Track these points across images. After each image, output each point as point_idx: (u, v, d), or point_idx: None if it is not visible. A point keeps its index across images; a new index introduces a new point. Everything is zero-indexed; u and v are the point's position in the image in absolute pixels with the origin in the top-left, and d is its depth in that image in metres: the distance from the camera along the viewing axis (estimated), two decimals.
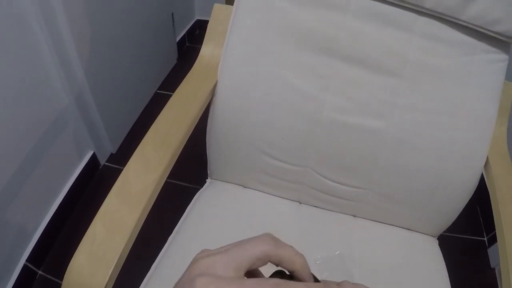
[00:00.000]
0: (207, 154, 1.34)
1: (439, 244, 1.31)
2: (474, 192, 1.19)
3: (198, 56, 1.23)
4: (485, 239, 2.20)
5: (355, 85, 1.13)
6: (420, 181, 1.18)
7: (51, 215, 1.94)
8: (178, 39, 3.26)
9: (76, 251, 0.77)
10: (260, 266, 0.45)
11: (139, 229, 0.84)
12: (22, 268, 1.76)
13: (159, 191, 0.91)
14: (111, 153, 2.43)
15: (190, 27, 3.52)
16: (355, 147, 1.17)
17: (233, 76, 1.16)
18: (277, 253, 0.45)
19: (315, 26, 1.10)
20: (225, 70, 1.17)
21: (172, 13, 2.96)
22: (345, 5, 1.08)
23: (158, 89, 2.90)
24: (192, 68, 1.21)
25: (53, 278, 1.85)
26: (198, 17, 3.62)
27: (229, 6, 1.18)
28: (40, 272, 1.87)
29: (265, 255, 0.45)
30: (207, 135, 1.28)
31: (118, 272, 0.78)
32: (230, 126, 1.21)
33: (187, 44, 3.50)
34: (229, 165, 1.32)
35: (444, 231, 1.30)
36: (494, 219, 1.06)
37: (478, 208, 2.34)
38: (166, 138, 0.98)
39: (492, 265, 2.05)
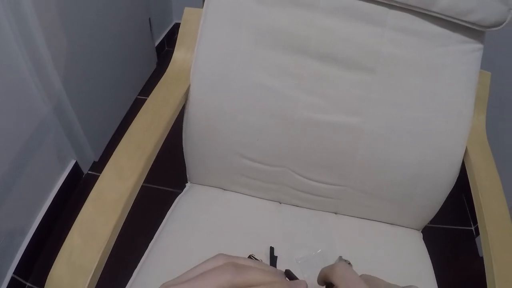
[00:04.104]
0: (185, 158, 1.34)
1: (427, 237, 1.32)
2: (460, 182, 1.20)
3: (171, 61, 1.22)
4: (472, 228, 2.22)
5: (329, 82, 1.13)
6: (399, 175, 1.19)
7: (36, 226, 1.93)
8: (156, 43, 3.26)
9: (55, 261, 0.78)
10: None
11: (115, 237, 0.84)
12: (9, 281, 1.75)
13: (134, 198, 0.91)
14: (94, 161, 2.42)
15: (169, 31, 3.52)
16: (331, 145, 1.17)
17: (205, 79, 1.16)
18: (242, 279, 0.47)
19: (286, 25, 1.10)
20: (197, 74, 1.17)
21: (149, 18, 2.96)
22: (314, 3, 1.08)
23: (139, 94, 2.90)
24: (165, 73, 1.21)
25: None
26: (176, 20, 3.62)
27: (201, 9, 1.17)
28: (28, 284, 1.86)
29: (230, 284, 0.46)
30: (183, 139, 1.28)
31: (97, 280, 0.78)
32: (205, 129, 1.22)
33: (166, 48, 3.50)
34: (207, 168, 1.32)
35: (431, 223, 1.31)
36: (475, 208, 1.07)
37: (464, 198, 2.36)
38: (139, 145, 0.98)
39: (481, 254, 2.06)
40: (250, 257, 1.03)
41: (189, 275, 0.49)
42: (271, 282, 0.48)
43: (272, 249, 1.14)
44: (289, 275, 0.56)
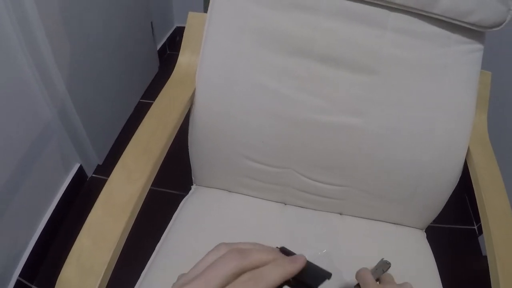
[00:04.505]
0: (190, 161, 1.35)
1: (429, 236, 1.32)
2: (462, 181, 1.20)
3: (176, 65, 1.23)
4: (475, 227, 2.22)
5: (332, 84, 1.14)
6: (402, 175, 1.19)
7: (41, 230, 1.94)
8: (158, 47, 3.26)
9: (64, 264, 0.78)
10: (232, 281, 0.48)
11: (125, 239, 0.85)
12: (15, 284, 1.76)
13: (143, 200, 0.92)
14: (98, 165, 2.43)
15: (170, 34, 3.52)
16: (335, 146, 1.18)
17: (211, 82, 1.17)
18: (248, 262, 0.50)
19: (289, 28, 1.11)
20: (202, 77, 1.18)
21: (151, 22, 2.96)
22: (316, 6, 1.09)
23: (141, 98, 2.91)
24: (171, 77, 1.22)
25: None
26: (177, 24, 3.62)
27: (204, 13, 1.18)
28: (33, 286, 1.86)
29: (239, 269, 0.48)
30: (188, 142, 1.29)
31: (106, 282, 0.79)
32: (210, 132, 1.22)
33: (168, 52, 3.50)
34: (212, 170, 1.33)
35: (434, 223, 1.31)
36: (478, 208, 1.07)
37: (467, 197, 2.36)
38: (147, 148, 0.99)
39: (484, 253, 2.07)
40: None
41: (196, 270, 0.50)
42: (274, 260, 0.52)
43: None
44: (285, 251, 0.59)
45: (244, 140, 1.21)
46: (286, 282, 0.53)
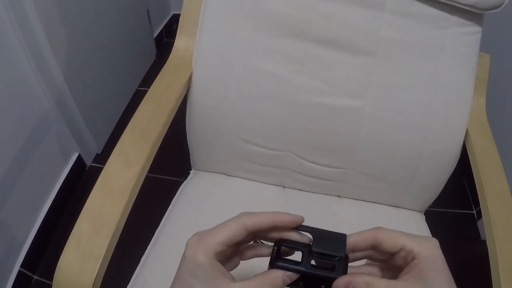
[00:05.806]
0: (188, 146, 1.35)
1: (428, 220, 1.32)
2: (461, 166, 1.21)
3: (173, 49, 1.23)
4: (474, 212, 2.23)
5: (330, 66, 1.13)
6: (400, 157, 1.19)
7: (42, 219, 1.95)
8: (155, 35, 3.25)
9: (64, 249, 0.79)
10: (241, 236, 0.58)
11: (123, 223, 0.85)
12: (17, 274, 1.77)
13: (141, 184, 0.92)
14: (97, 154, 2.44)
15: (167, 22, 3.52)
16: (334, 128, 1.18)
17: (208, 66, 1.17)
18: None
19: (286, 11, 1.11)
20: (199, 61, 1.17)
21: (148, 10, 2.95)
22: None
23: (139, 86, 2.91)
24: (167, 61, 1.21)
25: (48, 282, 1.86)
26: (174, 11, 3.61)
27: None
28: (35, 277, 1.88)
29: (252, 223, 0.58)
30: (186, 126, 1.29)
31: (106, 266, 0.79)
32: (208, 116, 1.22)
33: (165, 39, 3.49)
34: (210, 154, 1.33)
35: (433, 206, 1.32)
36: (477, 190, 1.07)
37: (466, 182, 2.37)
38: (144, 132, 0.99)
39: (483, 237, 2.08)
40: (256, 241, 1.04)
41: None
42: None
43: None
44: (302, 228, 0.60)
45: (242, 123, 1.21)
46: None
